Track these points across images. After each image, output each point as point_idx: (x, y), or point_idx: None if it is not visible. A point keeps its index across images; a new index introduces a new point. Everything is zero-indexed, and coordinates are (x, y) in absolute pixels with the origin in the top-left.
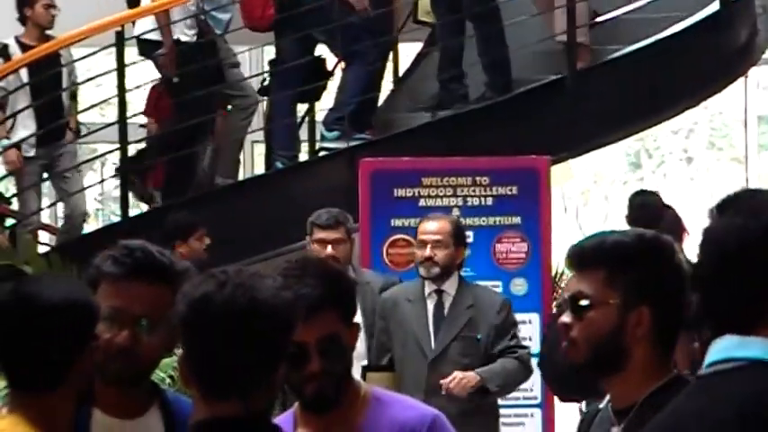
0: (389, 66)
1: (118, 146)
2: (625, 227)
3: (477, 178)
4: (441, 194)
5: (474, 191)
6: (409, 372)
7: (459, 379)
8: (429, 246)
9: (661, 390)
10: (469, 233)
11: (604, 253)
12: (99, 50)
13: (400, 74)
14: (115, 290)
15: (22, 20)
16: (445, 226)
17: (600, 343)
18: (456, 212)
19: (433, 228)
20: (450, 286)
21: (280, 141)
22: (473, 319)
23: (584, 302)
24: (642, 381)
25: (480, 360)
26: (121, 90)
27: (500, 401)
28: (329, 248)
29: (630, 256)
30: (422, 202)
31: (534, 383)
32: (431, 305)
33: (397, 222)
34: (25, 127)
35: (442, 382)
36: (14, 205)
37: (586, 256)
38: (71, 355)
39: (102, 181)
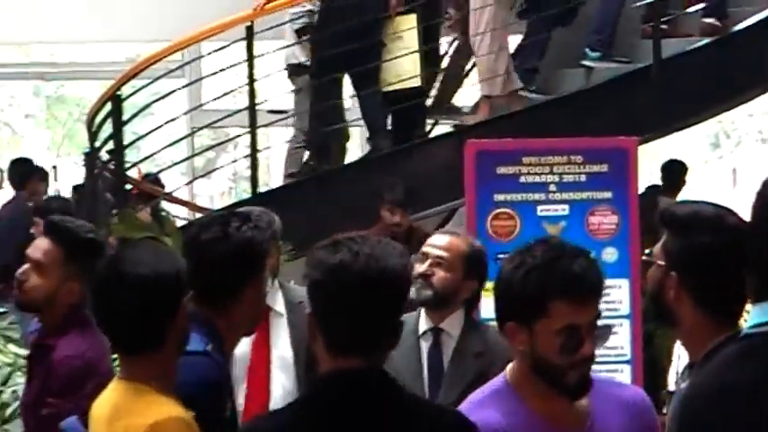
0: None
1: (248, 130)
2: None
3: (572, 157)
4: (539, 172)
5: (569, 168)
6: None
7: None
8: (429, 261)
9: (718, 348)
10: (565, 207)
11: (668, 219)
12: (231, 44)
13: None
14: None
15: None
16: (458, 245)
17: (652, 296)
18: (553, 188)
19: (441, 242)
20: (452, 325)
21: None
22: (484, 371)
23: (645, 258)
24: (698, 338)
25: None
26: (251, 79)
27: None
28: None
29: (679, 225)
30: (522, 179)
31: (624, 340)
32: (425, 348)
33: (499, 197)
34: None
35: None
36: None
37: (663, 219)
38: (166, 318)
39: (235, 161)
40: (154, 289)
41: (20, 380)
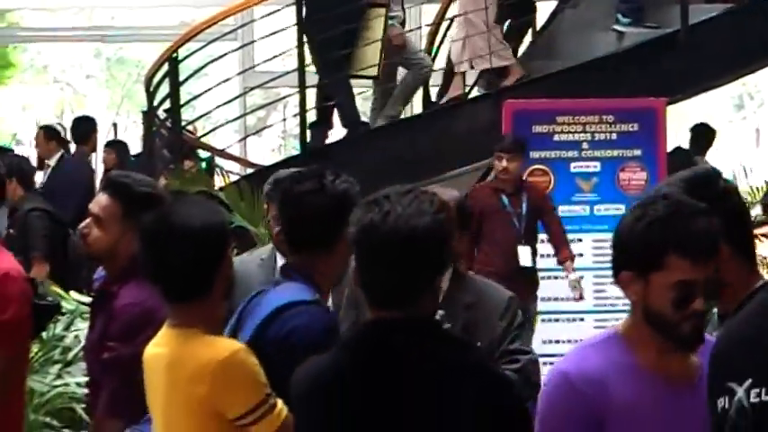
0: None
1: (297, 90)
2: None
3: (604, 117)
4: (572, 131)
5: (600, 127)
6: None
7: None
8: None
9: (751, 296)
10: (596, 164)
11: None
12: (282, 8)
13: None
14: None
15: None
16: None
17: None
18: (585, 146)
19: None
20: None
21: None
22: (472, 322)
23: None
24: (735, 288)
25: None
26: (300, 42)
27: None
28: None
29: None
30: (556, 137)
31: None
32: None
33: (534, 155)
34: None
35: None
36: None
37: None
38: (213, 267)
39: (284, 120)
40: (202, 240)
41: (81, 325)
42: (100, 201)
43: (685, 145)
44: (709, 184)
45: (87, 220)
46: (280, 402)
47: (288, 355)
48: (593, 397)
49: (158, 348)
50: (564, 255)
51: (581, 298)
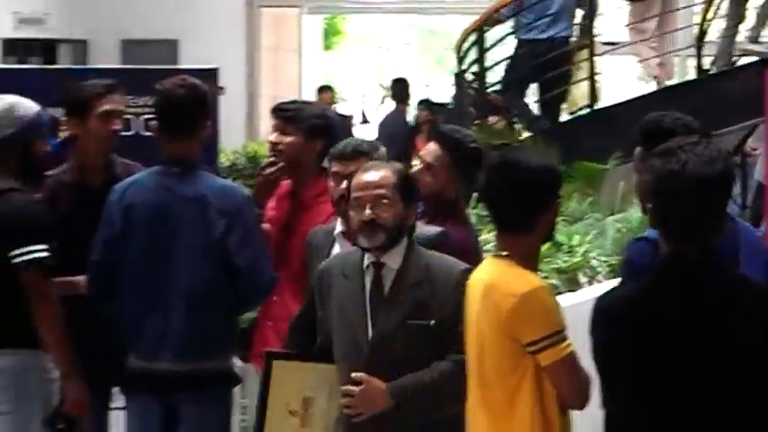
0: None
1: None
2: None
3: None
4: None
5: None
6: (344, 373)
7: (364, 394)
8: (368, 204)
9: None
10: None
11: None
12: None
13: None
14: None
15: None
16: (387, 177)
17: None
18: None
19: (372, 179)
20: (393, 258)
21: None
22: (422, 300)
23: None
24: None
25: (434, 354)
26: (591, 17)
27: None
28: (344, 184)
29: None
30: None
31: None
32: (368, 283)
33: None
34: None
35: (341, 400)
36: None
37: None
38: (539, 207)
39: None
40: (535, 180)
41: None
42: (432, 150)
43: None
44: None
45: (419, 166)
46: (569, 340)
47: None
48: None
49: (480, 275)
50: None
51: None
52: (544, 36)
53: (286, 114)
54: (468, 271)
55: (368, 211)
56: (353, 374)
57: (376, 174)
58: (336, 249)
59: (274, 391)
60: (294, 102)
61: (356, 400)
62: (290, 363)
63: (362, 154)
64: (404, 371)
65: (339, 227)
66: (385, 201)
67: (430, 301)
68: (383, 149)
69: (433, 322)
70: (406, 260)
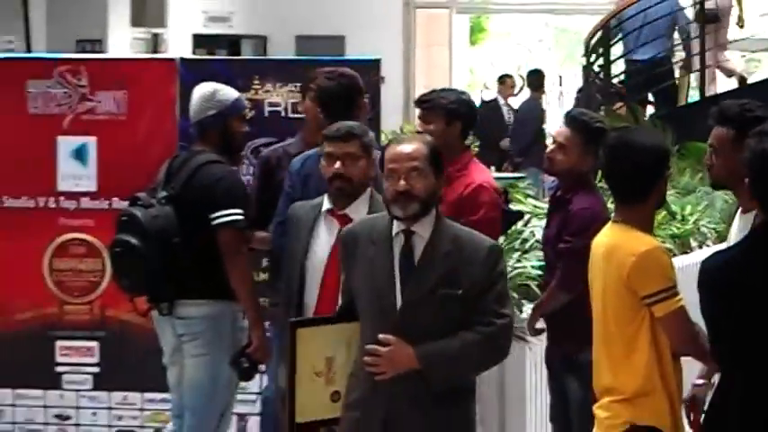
0: None
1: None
2: None
3: None
4: None
5: None
6: (369, 335)
7: (391, 354)
8: (402, 176)
9: None
10: None
11: None
12: None
13: None
14: None
15: None
16: (421, 149)
17: None
18: None
19: (406, 151)
20: (424, 228)
21: None
22: (453, 270)
23: None
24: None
25: (461, 323)
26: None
27: None
28: (338, 164)
29: None
30: None
31: None
32: (397, 250)
33: None
34: None
35: (365, 358)
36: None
37: None
38: (653, 179)
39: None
40: (648, 156)
41: (536, 223)
42: (564, 132)
43: None
44: None
45: (553, 146)
46: (680, 295)
47: None
48: None
49: (602, 239)
50: None
51: None
52: (645, 57)
53: (425, 105)
54: (496, 246)
55: (402, 182)
56: (382, 336)
57: (409, 146)
58: (321, 226)
59: (301, 358)
60: (432, 92)
61: (382, 360)
62: (312, 329)
63: (355, 136)
64: (430, 338)
65: (326, 204)
66: (418, 172)
67: (459, 270)
68: (372, 133)
69: (461, 291)
70: (435, 230)
